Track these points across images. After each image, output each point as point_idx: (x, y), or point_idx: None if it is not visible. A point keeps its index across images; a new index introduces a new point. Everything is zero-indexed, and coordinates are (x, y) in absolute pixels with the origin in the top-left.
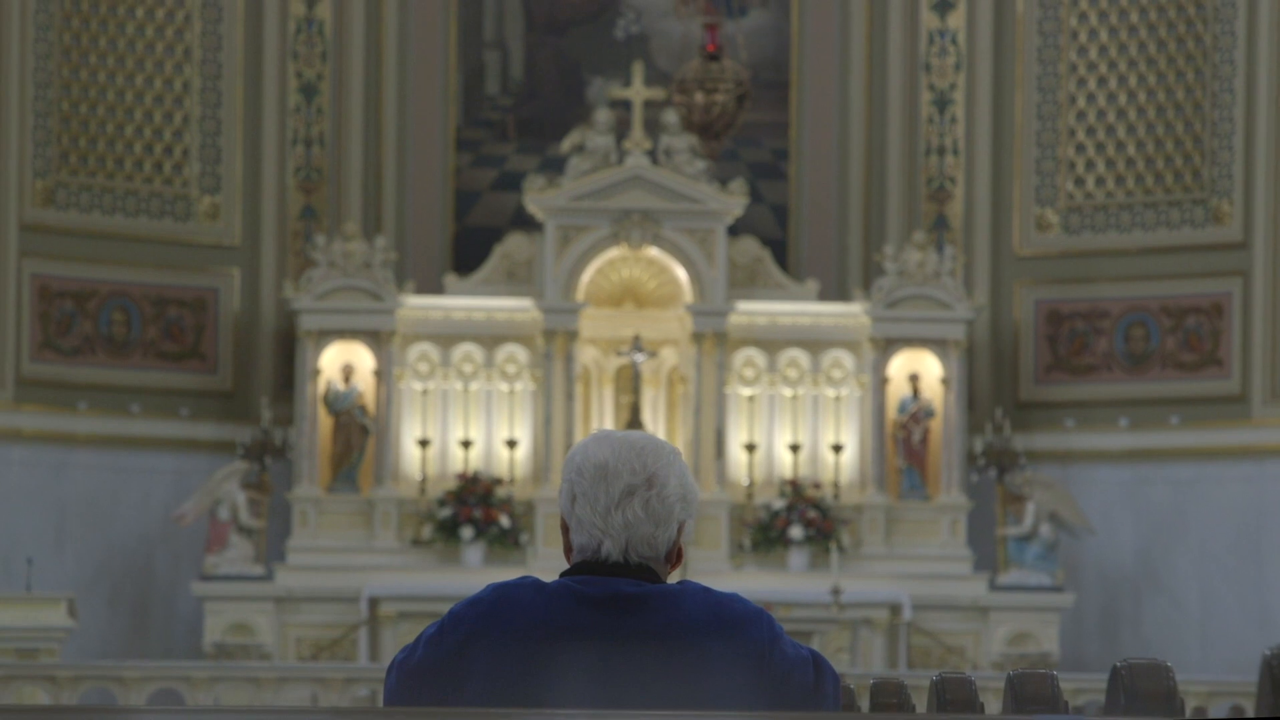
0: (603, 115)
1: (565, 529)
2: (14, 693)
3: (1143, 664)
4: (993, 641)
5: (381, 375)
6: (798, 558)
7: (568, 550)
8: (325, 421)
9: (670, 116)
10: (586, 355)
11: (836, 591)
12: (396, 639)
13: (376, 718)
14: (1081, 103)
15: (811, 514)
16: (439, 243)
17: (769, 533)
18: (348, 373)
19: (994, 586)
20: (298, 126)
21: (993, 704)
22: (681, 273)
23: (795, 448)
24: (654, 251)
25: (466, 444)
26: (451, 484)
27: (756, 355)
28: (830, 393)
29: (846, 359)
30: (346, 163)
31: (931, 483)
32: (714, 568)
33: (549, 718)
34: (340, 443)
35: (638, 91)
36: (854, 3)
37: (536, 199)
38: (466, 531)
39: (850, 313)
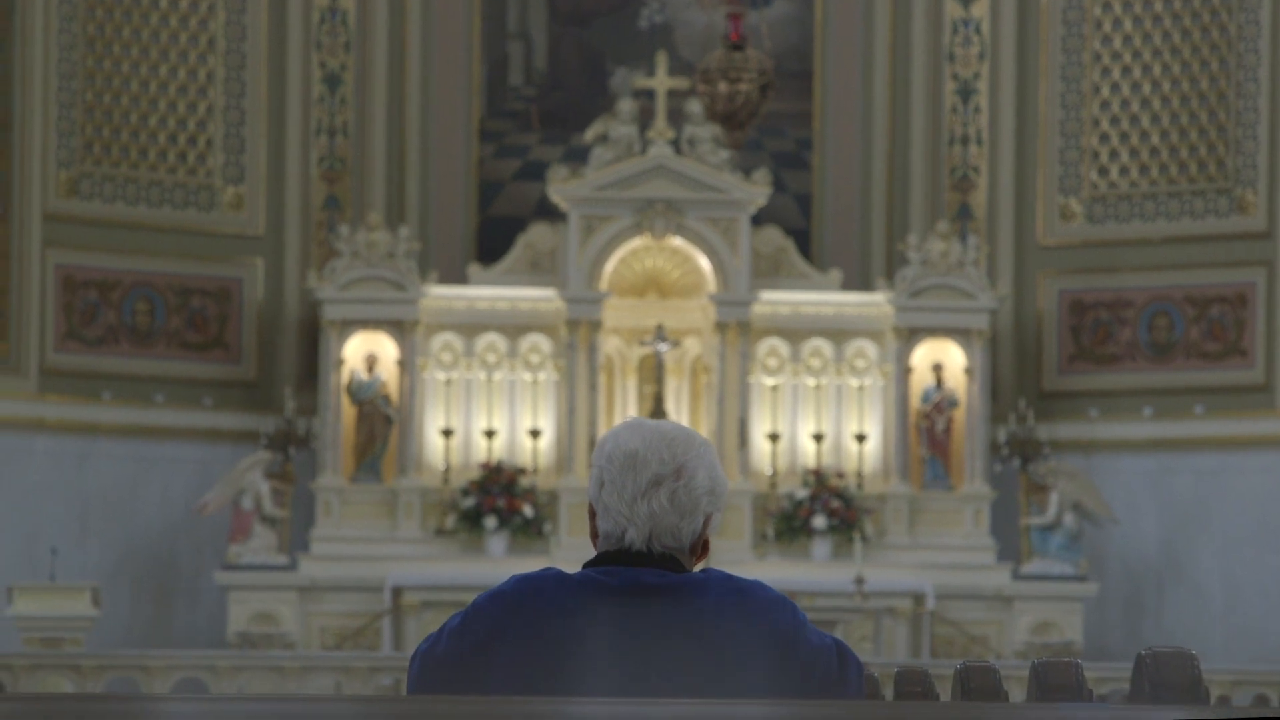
0: (626, 105)
1: (592, 515)
2: (39, 681)
3: (1167, 653)
4: (1016, 631)
5: (405, 365)
6: (821, 547)
7: (594, 536)
8: (349, 411)
9: (694, 106)
10: (610, 345)
11: (860, 581)
12: (420, 628)
13: (400, 706)
14: (1105, 92)
15: (835, 503)
16: (462, 233)
17: (792, 522)
18: (371, 362)
19: (1017, 576)
20: (321, 116)
21: (1017, 693)
22: (705, 262)
23: (819, 437)
24: (677, 241)
25: (490, 434)
26: (475, 474)
27: (780, 345)
28: (854, 382)
29: (870, 348)
30: (370, 153)
31: (955, 472)
32: (737, 557)
33: (573, 707)
34: (364, 432)
35: (661, 81)
36: None
37: (560, 189)
38: (490, 521)
39: (874, 302)
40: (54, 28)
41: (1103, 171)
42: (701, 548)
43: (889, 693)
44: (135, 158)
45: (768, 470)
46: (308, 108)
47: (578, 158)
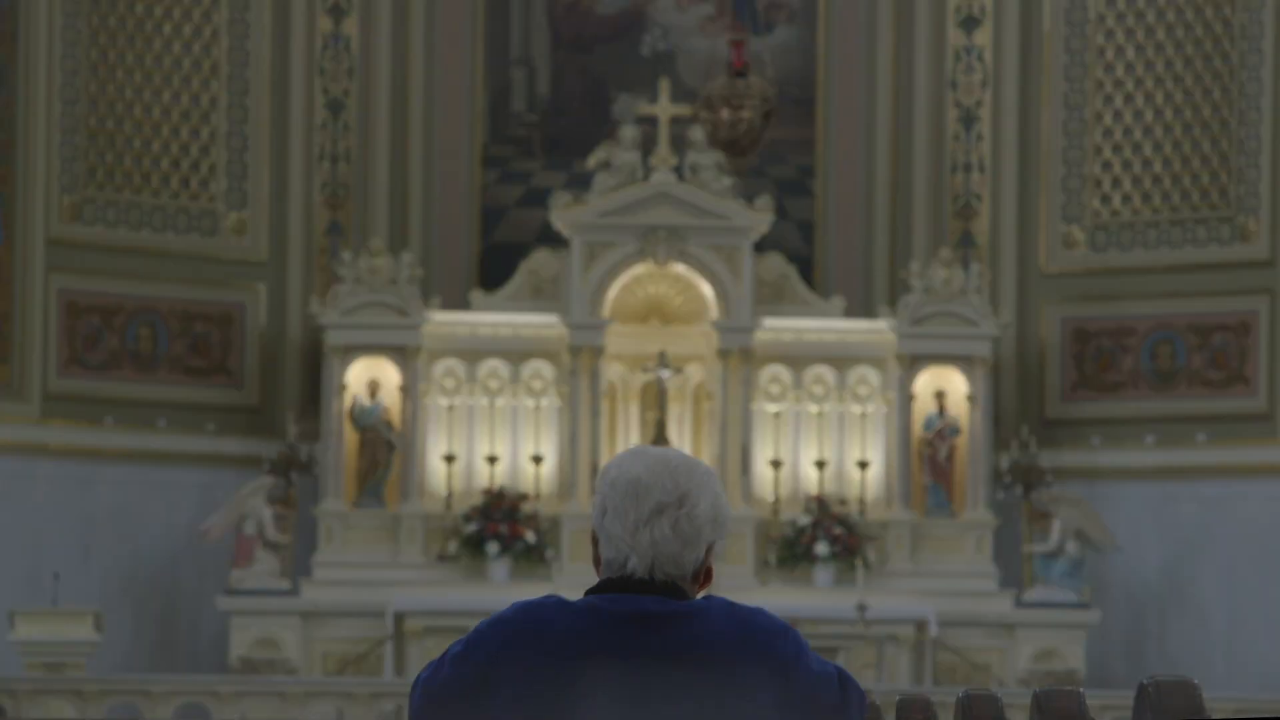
0: (629, 132)
1: (595, 542)
2: (41, 706)
3: (1170, 682)
4: (1019, 658)
5: (407, 391)
6: (823, 574)
7: (597, 562)
8: (351, 437)
9: (696, 133)
10: (612, 371)
11: (862, 608)
12: (422, 654)
13: None
14: (1108, 120)
15: (837, 530)
16: (465, 259)
17: (795, 549)
18: (374, 388)
19: (1020, 603)
20: (324, 142)
21: None
22: (707, 289)
23: (821, 464)
24: (680, 268)
25: (492, 460)
26: (477, 499)
27: (782, 371)
28: (856, 409)
29: (872, 375)
30: (373, 178)
31: (957, 499)
32: (740, 584)
33: None
34: (366, 458)
35: (664, 108)
36: (880, 19)
37: (563, 215)
38: (492, 547)
39: (876, 329)
40: (57, 53)
41: (1105, 199)
42: (704, 575)
43: None
44: (138, 183)
45: (770, 497)
46: (310, 133)
47: (580, 184)
